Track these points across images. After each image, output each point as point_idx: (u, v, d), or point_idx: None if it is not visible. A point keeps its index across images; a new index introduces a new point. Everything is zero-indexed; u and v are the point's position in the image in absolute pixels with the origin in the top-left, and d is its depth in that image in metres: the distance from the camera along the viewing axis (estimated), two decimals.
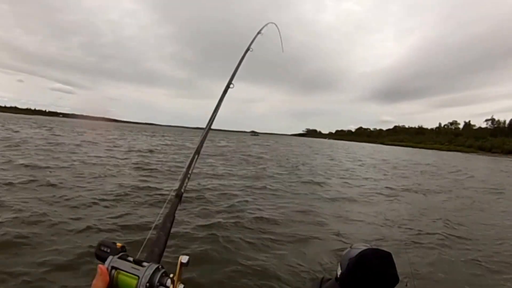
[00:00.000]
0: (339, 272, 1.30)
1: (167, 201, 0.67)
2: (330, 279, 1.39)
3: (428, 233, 5.86)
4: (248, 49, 1.28)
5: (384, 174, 16.19)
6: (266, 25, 1.40)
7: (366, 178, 13.76)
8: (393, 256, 1.11)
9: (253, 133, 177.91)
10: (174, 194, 0.67)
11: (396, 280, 1.06)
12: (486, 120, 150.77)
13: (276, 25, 1.45)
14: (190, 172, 0.75)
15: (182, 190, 0.69)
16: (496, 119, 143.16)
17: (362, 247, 1.29)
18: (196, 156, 0.81)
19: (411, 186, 12.08)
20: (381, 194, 9.93)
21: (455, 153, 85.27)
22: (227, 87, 1.14)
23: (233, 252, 4.28)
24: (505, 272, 4.39)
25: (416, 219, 7.00)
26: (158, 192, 7.36)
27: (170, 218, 0.62)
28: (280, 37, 1.47)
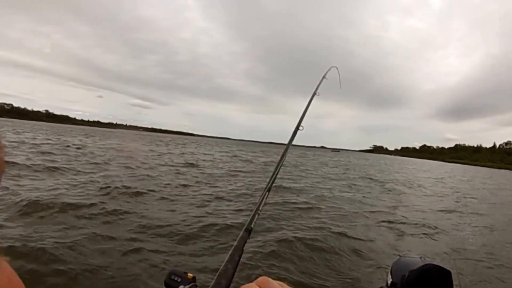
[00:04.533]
0: (389, 280, 1.31)
1: (239, 236, 0.67)
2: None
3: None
4: (314, 93, 1.36)
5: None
6: (329, 69, 1.72)
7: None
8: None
9: (334, 149, 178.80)
10: (244, 228, 0.68)
11: None
12: None
13: (337, 68, 1.83)
14: (260, 208, 0.77)
15: (252, 225, 0.70)
16: None
17: (414, 256, 1.33)
18: (267, 193, 0.82)
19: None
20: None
21: (505, 170, 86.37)
22: (297, 129, 1.13)
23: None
24: None
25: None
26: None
27: (239, 252, 0.62)
28: (339, 78, 1.83)
